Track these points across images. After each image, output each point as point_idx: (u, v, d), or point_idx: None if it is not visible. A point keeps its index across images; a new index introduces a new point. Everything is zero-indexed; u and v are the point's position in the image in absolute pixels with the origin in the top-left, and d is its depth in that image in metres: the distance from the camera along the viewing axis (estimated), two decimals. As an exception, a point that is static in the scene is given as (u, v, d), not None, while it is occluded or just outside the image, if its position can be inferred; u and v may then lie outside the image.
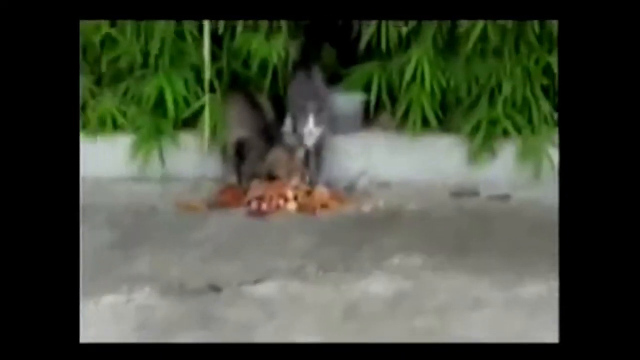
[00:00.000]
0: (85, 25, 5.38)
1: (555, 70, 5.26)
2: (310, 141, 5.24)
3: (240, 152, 5.31)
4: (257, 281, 4.37)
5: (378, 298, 4.25)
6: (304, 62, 5.44)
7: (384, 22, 5.36)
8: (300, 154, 5.24)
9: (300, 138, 5.23)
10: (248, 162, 5.29)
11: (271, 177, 5.21)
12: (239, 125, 5.36)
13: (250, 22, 5.40)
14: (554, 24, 5.21)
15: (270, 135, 5.33)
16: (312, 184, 5.24)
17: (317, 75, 5.42)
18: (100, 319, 4.08)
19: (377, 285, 4.34)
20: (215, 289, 4.32)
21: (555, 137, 5.25)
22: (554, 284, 4.07)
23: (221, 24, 5.39)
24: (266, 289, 4.33)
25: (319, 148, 5.28)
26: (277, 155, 5.26)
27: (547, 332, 3.71)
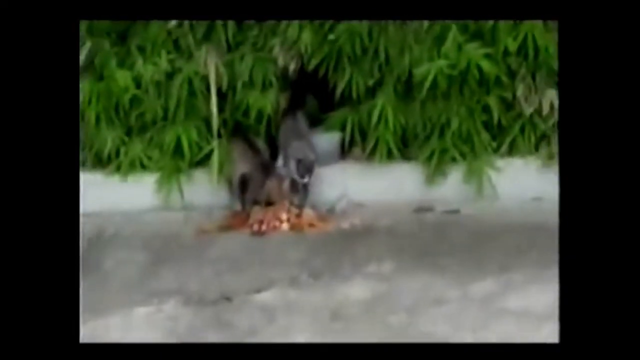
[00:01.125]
0: (117, 87, 5.26)
1: (493, 108, 5.17)
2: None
3: (243, 184, 5.19)
4: (259, 290, 4.28)
5: (358, 299, 4.16)
6: (292, 110, 5.35)
7: (354, 76, 5.24)
8: (287, 183, 5.13)
9: (290, 171, 5.12)
10: (249, 192, 5.17)
11: (268, 203, 5.10)
12: (241, 163, 5.26)
13: (247, 80, 5.29)
14: (491, 70, 5.08)
15: (266, 169, 5.22)
16: (301, 207, 5.11)
17: (302, 120, 5.34)
18: (135, 326, 3.95)
19: (357, 289, 4.24)
20: (227, 298, 4.22)
21: (493, 161, 5.18)
22: (500, 279, 4.08)
23: (224, 83, 5.28)
24: (268, 295, 4.24)
25: (305, 178, 5.17)
26: (272, 185, 5.15)
27: (499, 322, 3.67)
